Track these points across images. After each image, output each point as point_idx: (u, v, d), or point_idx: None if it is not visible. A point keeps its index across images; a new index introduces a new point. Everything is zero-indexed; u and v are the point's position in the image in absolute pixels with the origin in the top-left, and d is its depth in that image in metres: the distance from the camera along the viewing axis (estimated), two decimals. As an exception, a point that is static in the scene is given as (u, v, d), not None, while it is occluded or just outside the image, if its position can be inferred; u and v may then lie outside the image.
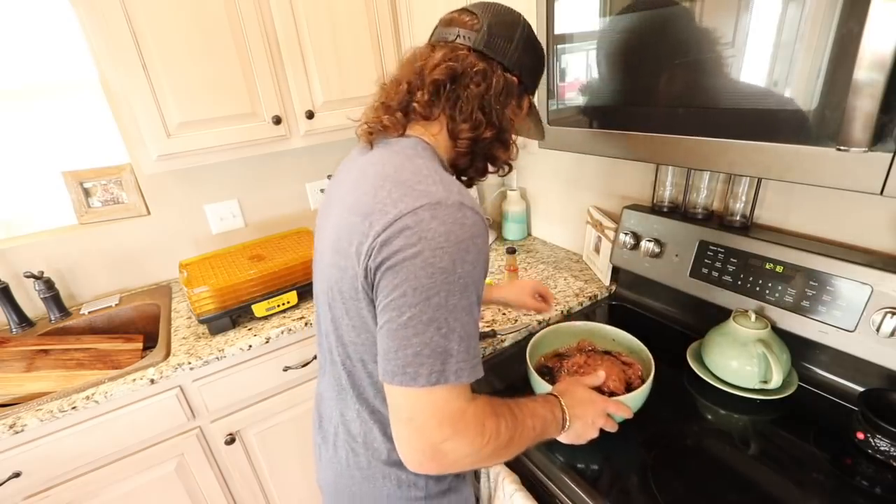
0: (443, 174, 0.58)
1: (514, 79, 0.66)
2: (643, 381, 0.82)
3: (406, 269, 0.51)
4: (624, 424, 0.82)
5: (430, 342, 0.51)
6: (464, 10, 0.66)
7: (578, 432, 0.71)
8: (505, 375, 0.99)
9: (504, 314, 1.19)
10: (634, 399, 0.78)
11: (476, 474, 0.94)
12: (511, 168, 0.75)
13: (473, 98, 0.63)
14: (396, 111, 0.65)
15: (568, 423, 0.69)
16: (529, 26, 0.68)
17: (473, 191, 1.62)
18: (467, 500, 0.76)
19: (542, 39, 0.86)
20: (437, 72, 0.62)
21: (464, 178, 0.73)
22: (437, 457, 0.53)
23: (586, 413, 0.71)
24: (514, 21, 0.66)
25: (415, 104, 0.64)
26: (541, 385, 0.81)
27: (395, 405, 0.55)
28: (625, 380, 0.85)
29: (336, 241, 0.61)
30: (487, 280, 1.02)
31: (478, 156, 0.69)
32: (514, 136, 0.72)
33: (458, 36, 0.64)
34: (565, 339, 0.99)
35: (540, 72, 0.72)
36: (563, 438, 0.71)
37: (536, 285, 1.07)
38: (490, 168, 0.73)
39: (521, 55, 0.66)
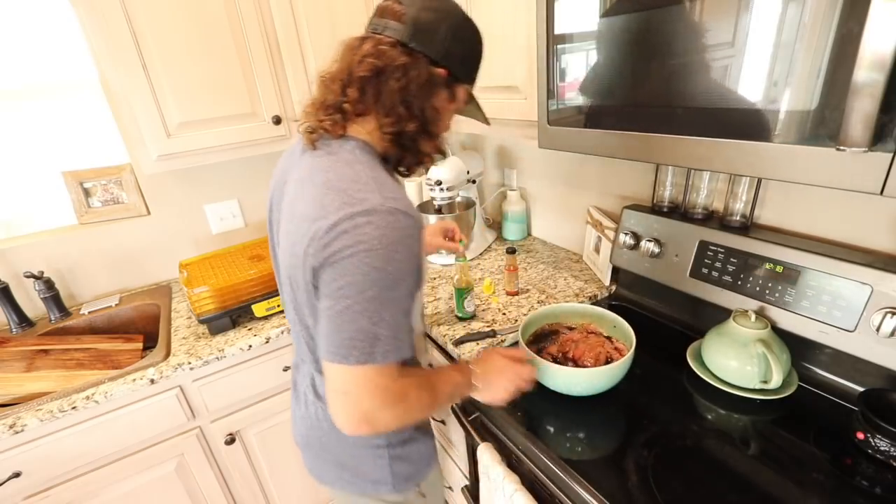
0: (379, 178, 0.63)
1: (442, 71, 0.67)
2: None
3: (344, 266, 0.58)
4: (624, 424, 0.82)
5: (362, 329, 0.59)
6: (396, 0, 0.67)
7: (492, 394, 0.81)
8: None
9: (504, 314, 1.19)
10: (591, 373, 0.85)
11: (476, 475, 0.94)
12: (431, 159, 0.76)
13: (394, 93, 0.65)
14: (333, 111, 0.68)
15: (480, 385, 0.79)
16: (462, 16, 0.68)
17: (473, 190, 1.62)
18: (428, 450, 0.86)
19: (542, 39, 0.86)
20: (361, 69, 0.64)
21: (401, 170, 0.76)
22: (367, 423, 0.63)
23: (499, 379, 0.81)
24: (442, 12, 0.66)
25: (346, 104, 0.67)
26: (530, 356, 0.89)
27: (330, 379, 0.63)
28: (604, 359, 0.91)
29: (290, 243, 0.66)
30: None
31: (406, 148, 0.70)
32: (444, 127, 0.74)
33: (387, 28, 0.66)
34: (575, 319, 1.05)
35: (474, 61, 0.73)
36: (479, 397, 0.82)
37: (445, 224, 1.13)
38: (423, 160, 0.74)
39: (450, 47, 0.67)
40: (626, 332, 0.94)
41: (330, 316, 0.61)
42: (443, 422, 1.29)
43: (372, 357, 0.60)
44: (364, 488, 0.83)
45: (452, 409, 1.03)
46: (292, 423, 0.91)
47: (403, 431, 0.80)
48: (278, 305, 1.31)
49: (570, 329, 1.03)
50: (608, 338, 0.99)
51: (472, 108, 0.81)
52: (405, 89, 0.65)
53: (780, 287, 0.88)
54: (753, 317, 0.87)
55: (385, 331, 0.60)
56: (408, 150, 0.70)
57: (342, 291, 0.59)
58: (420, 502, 0.88)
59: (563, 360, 0.92)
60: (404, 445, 0.81)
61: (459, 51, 0.69)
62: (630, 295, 1.23)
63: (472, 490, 1.18)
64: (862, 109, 0.48)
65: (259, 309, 1.28)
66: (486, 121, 0.86)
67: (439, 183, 1.43)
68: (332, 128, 0.68)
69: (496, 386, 0.80)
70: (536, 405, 0.90)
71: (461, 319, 1.19)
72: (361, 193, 0.60)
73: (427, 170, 0.80)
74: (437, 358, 1.17)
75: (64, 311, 1.40)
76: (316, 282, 0.63)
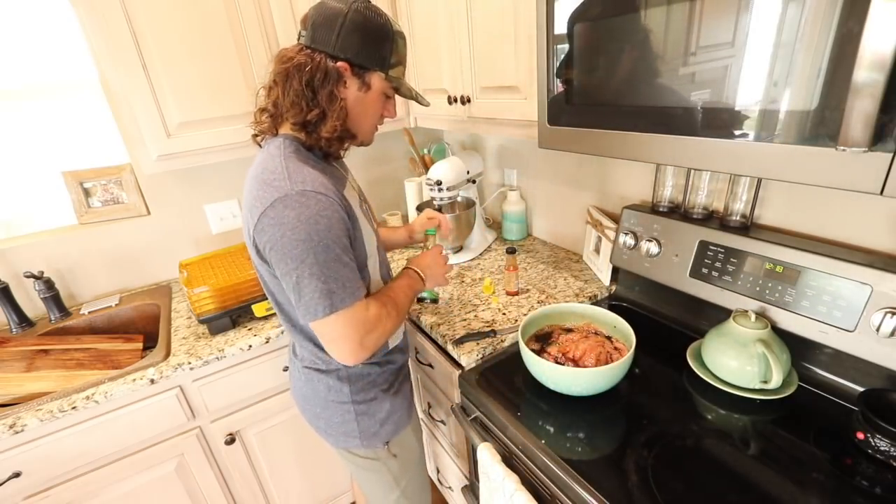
0: (294, 167, 0.74)
1: (342, 64, 0.75)
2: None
3: (280, 248, 0.71)
4: (624, 424, 0.82)
5: (317, 289, 0.72)
6: (309, 9, 0.78)
7: (437, 280, 1.01)
8: (505, 374, 0.99)
9: (504, 314, 1.19)
10: (592, 373, 0.86)
11: (476, 475, 0.94)
12: (340, 143, 0.82)
13: (297, 90, 0.75)
14: (266, 114, 0.81)
15: (426, 279, 0.97)
16: (357, 11, 0.75)
17: (473, 190, 1.62)
18: (394, 409, 0.96)
19: (542, 39, 0.86)
20: (277, 74, 0.77)
21: (331, 155, 0.84)
22: (362, 350, 0.78)
23: (436, 269, 1.01)
24: (336, 12, 0.74)
25: (272, 107, 0.79)
26: (530, 356, 0.91)
27: (319, 335, 0.78)
28: (605, 359, 0.92)
29: (245, 230, 0.79)
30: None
31: (313, 135, 0.78)
32: (364, 114, 0.82)
33: (300, 35, 0.78)
34: (575, 319, 1.06)
35: (375, 49, 0.77)
36: (429, 286, 0.99)
37: (428, 213, 1.19)
38: (333, 144, 0.80)
39: (346, 40, 0.74)
40: (625, 332, 0.94)
41: (291, 289, 0.74)
42: (442, 422, 1.29)
43: (333, 306, 0.73)
44: (338, 441, 0.96)
45: (452, 408, 1.03)
46: (292, 389, 1.04)
47: (367, 391, 0.93)
48: (278, 305, 1.31)
49: (570, 329, 1.03)
50: (608, 338, 0.99)
51: (405, 89, 0.86)
52: (307, 85, 0.74)
53: (780, 287, 0.88)
54: (753, 317, 0.87)
55: (334, 284, 0.73)
56: (314, 135, 0.78)
57: (289, 268, 0.72)
58: (392, 462, 0.99)
59: (563, 360, 0.92)
60: (369, 403, 0.93)
61: (356, 42, 0.75)
62: (630, 295, 1.23)
63: (472, 490, 1.18)
64: (862, 109, 0.48)
65: (259, 309, 1.28)
66: (418, 100, 0.90)
67: (439, 183, 1.43)
68: (269, 129, 0.82)
69: (437, 274, 1.00)
70: (536, 405, 0.90)
71: (420, 301, 1.25)
72: (277, 182, 0.72)
73: (343, 152, 0.89)
74: (434, 355, 1.17)
75: (64, 311, 1.40)
76: (264, 258, 0.76)
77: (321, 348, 0.87)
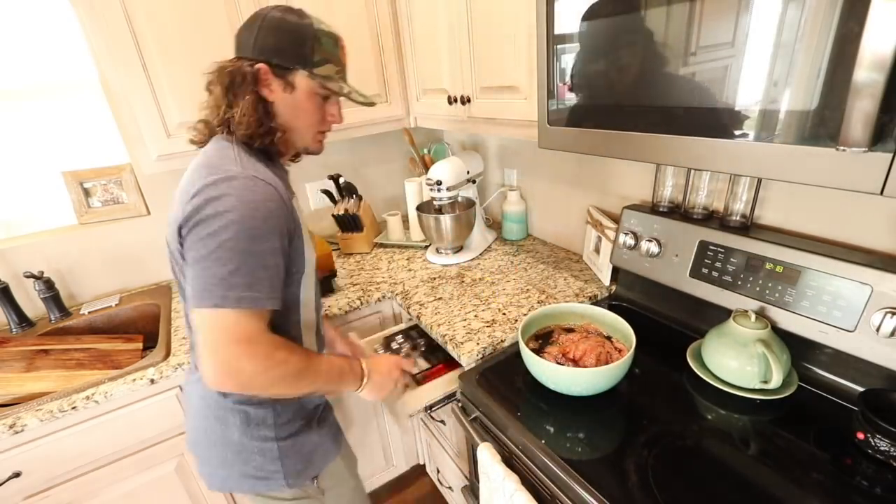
0: (242, 157, 0.73)
1: (260, 65, 0.74)
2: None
3: (207, 222, 0.65)
4: (624, 424, 0.82)
5: (217, 274, 0.64)
6: None
7: (375, 391, 0.88)
8: (505, 374, 0.99)
9: (504, 314, 1.19)
10: (592, 373, 0.85)
11: (476, 475, 0.94)
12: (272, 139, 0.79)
13: (217, 95, 0.76)
14: (203, 122, 0.82)
15: (366, 380, 0.86)
16: (273, 13, 0.76)
17: (473, 190, 1.62)
18: (322, 442, 0.88)
19: (542, 39, 0.86)
20: (207, 84, 0.78)
21: (269, 153, 0.81)
22: (231, 373, 0.65)
23: (383, 383, 0.90)
24: (255, 17, 0.76)
25: (207, 114, 0.80)
26: (530, 356, 0.91)
27: (196, 327, 0.67)
28: (605, 359, 0.91)
29: (169, 229, 0.73)
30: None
31: (243, 134, 0.76)
32: (292, 114, 0.79)
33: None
34: (575, 319, 1.06)
35: (293, 47, 0.76)
36: (365, 394, 0.87)
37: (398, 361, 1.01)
38: (265, 141, 0.78)
39: (262, 43, 0.75)
40: (626, 332, 0.94)
41: (192, 264, 0.66)
42: (442, 422, 1.29)
43: (225, 300, 0.64)
44: (255, 486, 0.83)
45: (452, 408, 1.03)
46: (185, 429, 0.92)
47: (291, 424, 0.83)
48: (278, 305, 1.30)
49: (571, 329, 1.03)
50: (608, 338, 0.99)
51: (336, 87, 0.81)
52: (227, 88, 0.75)
53: (780, 287, 0.88)
54: (753, 317, 0.87)
55: (240, 279, 0.64)
56: (238, 133, 0.76)
57: (203, 242, 0.65)
58: (322, 498, 0.90)
59: (563, 360, 0.92)
60: (295, 437, 0.83)
61: (272, 43, 0.75)
62: (630, 295, 1.23)
63: (472, 490, 1.18)
64: (862, 109, 0.48)
65: (259, 309, 1.28)
66: (351, 98, 0.84)
67: (439, 183, 1.43)
68: (204, 135, 0.82)
69: (382, 386, 0.89)
70: (536, 405, 0.90)
71: None
72: (226, 165, 0.70)
73: (286, 153, 0.86)
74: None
75: (64, 311, 1.40)
76: (182, 245, 0.69)
77: None
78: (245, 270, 0.65)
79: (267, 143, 0.78)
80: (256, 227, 0.66)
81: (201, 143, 0.83)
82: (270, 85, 0.76)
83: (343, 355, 0.88)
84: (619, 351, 0.93)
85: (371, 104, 0.87)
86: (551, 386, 0.90)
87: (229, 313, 0.64)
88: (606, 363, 0.89)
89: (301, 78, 0.77)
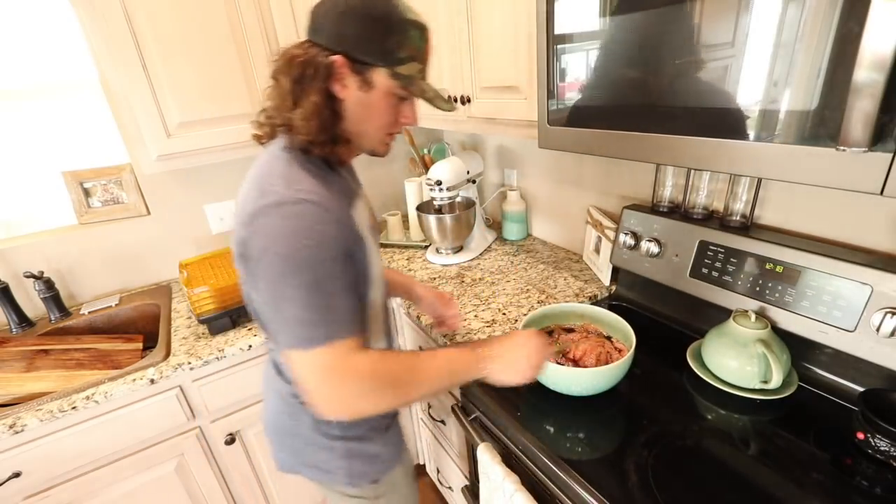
0: (291, 173, 0.66)
1: (337, 58, 0.64)
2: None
3: (262, 261, 0.61)
4: (624, 424, 0.82)
5: (293, 316, 0.61)
6: None
7: (512, 372, 0.75)
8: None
9: (504, 314, 1.19)
10: (592, 373, 0.85)
11: (476, 475, 0.94)
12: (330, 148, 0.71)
13: (284, 88, 0.66)
14: (265, 115, 0.72)
15: (488, 361, 0.74)
16: None
17: (473, 190, 1.62)
18: (387, 452, 0.86)
19: (542, 39, 0.86)
20: (274, 72, 0.68)
21: (329, 160, 0.73)
22: (344, 404, 0.64)
23: (520, 357, 0.76)
24: (334, 1, 0.65)
25: (269, 107, 0.71)
26: None
27: (294, 372, 0.64)
28: (605, 359, 0.91)
29: (235, 233, 0.69)
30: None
31: (310, 140, 0.68)
32: (365, 118, 0.70)
33: (306, 30, 0.68)
34: (575, 319, 1.05)
35: (376, 39, 0.65)
36: (493, 380, 0.76)
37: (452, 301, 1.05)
38: (335, 147, 0.71)
39: (341, 30, 0.64)
40: (626, 332, 0.94)
41: (272, 310, 0.64)
42: (442, 421, 1.29)
43: (310, 342, 0.61)
44: (319, 477, 0.85)
45: (452, 408, 1.03)
46: (263, 411, 0.91)
47: (359, 427, 0.82)
48: (278, 305, 1.30)
49: (571, 329, 1.03)
50: (608, 338, 0.99)
51: (418, 90, 0.71)
52: (297, 82, 0.65)
53: (780, 287, 0.88)
54: (753, 317, 0.87)
55: (318, 315, 0.61)
56: (304, 138, 0.67)
57: (271, 283, 0.61)
58: (375, 502, 0.88)
59: (562, 360, 0.92)
60: (360, 442, 0.82)
61: (354, 31, 0.64)
62: (630, 295, 1.23)
63: (472, 490, 1.18)
64: (862, 109, 0.48)
65: (259, 309, 1.28)
66: (436, 104, 0.74)
67: (439, 183, 1.43)
68: (267, 132, 0.73)
69: (517, 366, 0.75)
70: (536, 405, 0.90)
71: None
72: (275, 187, 0.64)
73: (348, 161, 0.78)
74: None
75: (64, 311, 1.40)
76: (244, 266, 0.66)
77: None
78: (318, 305, 0.61)
79: (326, 152, 0.70)
80: (310, 257, 0.60)
81: (264, 141, 0.75)
82: (344, 80, 0.66)
83: (461, 344, 0.80)
84: (619, 351, 0.93)
85: (452, 110, 0.77)
86: (551, 386, 0.90)
87: (318, 353, 0.62)
88: (606, 363, 0.89)
89: (381, 76, 0.67)
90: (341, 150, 0.73)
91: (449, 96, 0.73)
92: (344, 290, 0.64)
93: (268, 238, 0.61)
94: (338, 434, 0.81)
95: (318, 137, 0.67)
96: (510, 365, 0.76)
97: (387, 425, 0.88)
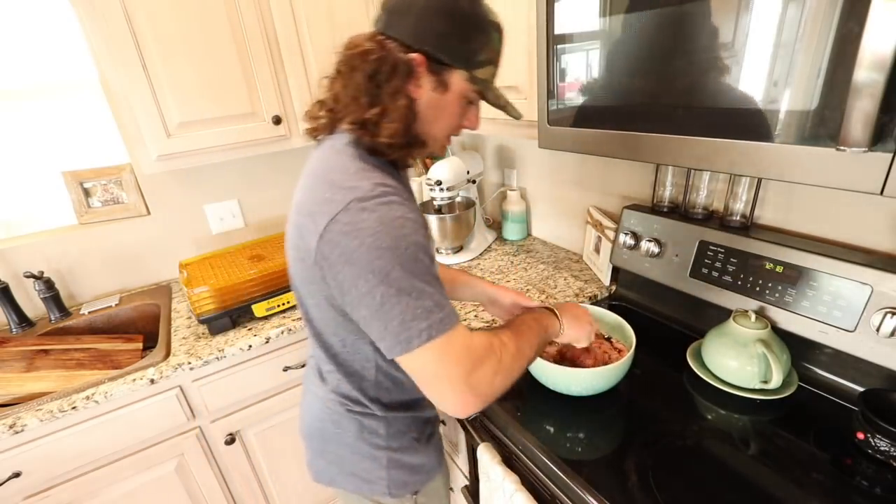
0: (362, 168, 0.62)
1: (416, 56, 0.61)
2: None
3: (358, 260, 0.55)
4: (624, 424, 0.82)
5: (408, 308, 0.56)
6: None
7: (577, 334, 0.81)
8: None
9: (504, 314, 1.19)
10: (591, 374, 0.85)
11: (476, 475, 0.94)
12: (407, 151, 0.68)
13: (358, 83, 0.62)
14: (325, 108, 0.68)
15: (561, 319, 0.79)
16: None
17: (473, 190, 1.62)
18: (430, 462, 0.84)
19: (542, 39, 0.86)
20: (341, 64, 0.64)
21: (395, 162, 0.69)
22: (471, 392, 0.59)
23: (581, 321, 0.82)
24: None
25: (330, 100, 0.67)
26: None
27: (414, 373, 0.60)
28: (604, 360, 0.91)
29: (295, 238, 0.66)
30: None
31: (375, 138, 0.64)
32: (436, 119, 0.67)
33: (377, 20, 0.64)
34: None
35: (460, 40, 0.62)
36: (564, 338, 0.81)
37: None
38: (408, 150, 0.67)
39: (425, 27, 0.60)
40: (625, 333, 0.94)
41: (374, 315, 0.57)
42: (443, 422, 1.29)
43: (432, 330, 0.57)
44: (359, 487, 0.82)
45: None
46: (300, 415, 0.90)
47: (403, 437, 0.80)
48: (278, 305, 1.31)
49: None
50: (608, 338, 0.99)
51: (493, 96, 0.69)
52: (371, 78, 0.61)
53: (780, 287, 0.88)
54: (753, 317, 0.87)
55: (430, 301, 0.57)
56: (373, 138, 0.63)
57: (369, 285, 0.56)
58: None
59: (562, 360, 0.92)
60: (404, 452, 0.81)
61: (435, 28, 0.60)
62: (630, 295, 1.23)
63: (472, 490, 1.17)
64: (862, 109, 0.48)
65: (259, 309, 1.28)
66: (508, 111, 0.73)
67: (439, 183, 1.43)
68: (325, 125, 0.69)
69: (581, 326, 0.81)
70: (536, 405, 0.90)
71: None
72: (350, 182, 0.59)
73: (417, 163, 0.74)
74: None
75: (64, 311, 1.40)
76: (325, 277, 0.61)
77: (365, 380, 0.74)
78: (430, 290, 0.57)
79: (400, 156, 0.67)
80: (411, 245, 0.57)
81: (319, 137, 0.72)
82: (420, 80, 0.63)
83: (535, 309, 0.81)
84: (619, 351, 0.93)
85: (520, 117, 0.75)
86: (550, 386, 0.90)
87: (439, 342, 0.57)
88: (606, 363, 0.89)
89: (458, 78, 0.64)
90: (404, 153, 0.68)
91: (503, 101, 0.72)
92: (438, 282, 0.60)
93: (358, 236, 0.55)
94: (382, 444, 0.79)
95: (400, 140, 0.63)
96: (579, 323, 0.81)
97: (429, 434, 0.86)
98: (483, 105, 0.72)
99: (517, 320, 0.74)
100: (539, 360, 0.88)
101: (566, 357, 0.93)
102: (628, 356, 0.85)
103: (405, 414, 0.80)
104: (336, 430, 0.80)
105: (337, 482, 0.84)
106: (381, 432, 0.78)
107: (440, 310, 0.58)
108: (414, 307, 0.56)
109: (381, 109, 0.62)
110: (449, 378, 0.58)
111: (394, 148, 0.64)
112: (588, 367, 0.89)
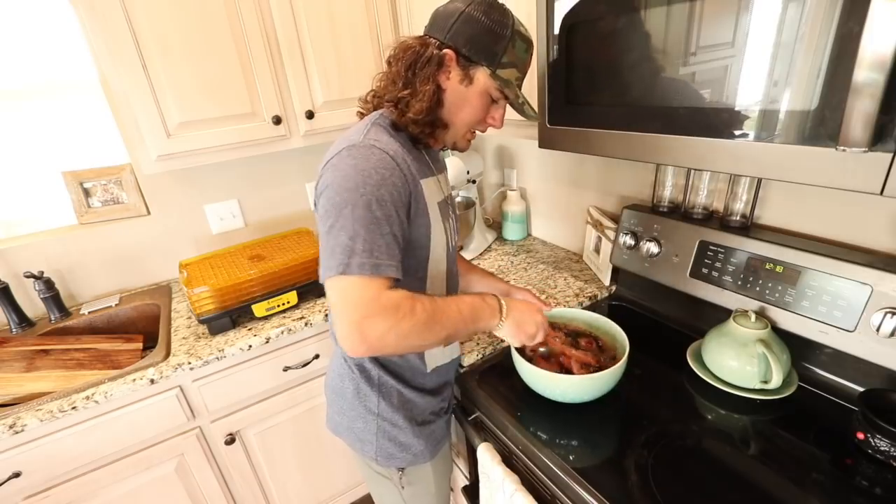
0: (375, 131, 0.74)
1: (449, 52, 0.73)
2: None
3: (327, 193, 0.68)
4: (624, 424, 0.82)
5: (339, 243, 0.65)
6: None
7: (515, 332, 0.81)
8: (505, 374, 0.99)
9: (504, 314, 1.19)
10: (580, 381, 0.84)
11: (476, 475, 0.94)
12: (430, 133, 0.78)
13: (397, 70, 0.76)
14: (373, 96, 0.82)
15: (505, 314, 0.80)
16: (477, 6, 0.73)
17: (473, 190, 1.62)
18: (419, 446, 0.89)
19: (542, 39, 0.86)
20: (390, 57, 0.77)
21: (416, 138, 0.79)
22: (360, 335, 0.64)
23: (527, 319, 0.82)
24: (458, 6, 0.74)
25: (379, 88, 0.80)
26: (523, 364, 0.89)
27: (329, 299, 0.69)
28: (596, 366, 0.88)
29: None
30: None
31: (403, 114, 0.76)
32: (459, 107, 0.78)
33: (427, 26, 0.78)
34: (574, 322, 1.03)
35: (486, 42, 0.73)
36: (501, 333, 0.81)
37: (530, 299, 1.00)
38: (418, 129, 0.77)
39: (458, 28, 0.73)
40: (620, 339, 0.92)
41: (321, 240, 0.69)
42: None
43: (348, 268, 0.64)
44: (354, 443, 0.91)
45: (453, 408, 1.03)
46: (326, 373, 0.99)
47: (395, 412, 0.86)
48: (278, 305, 1.31)
49: (579, 332, 1.00)
50: (596, 341, 0.96)
51: (513, 94, 0.78)
52: (410, 66, 0.74)
53: (780, 287, 0.88)
54: (753, 317, 0.87)
55: (360, 245, 0.65)
56: (404, 115, 0.76)
57: (326, 213, 0.67)
58: (403, 491, 0.93)
59: (555, 366, 0.91)
60: (392, 426, 0.87)
61: (467, 31, 0.73)
62: (630, 295, 1.23)
63: (472, 490, 1.18)
64: (862, 109, 0.48)
65: (259, 309, 1.28)
66: (523, 112, 0.81)
67: (439, 183, 1.43)
68: (370, 110, 0.82)
69: (519, 330, 0.81)
70: (536, 405, 0.90)
71: None
72: (354, 136, 0.72)
73: (430, 145, 0.83)
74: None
75: (64, 311, 1.40)
76: (316, 206, 0.72)
77: None
78: (367, 237, 0.65)
79: (423, 132, 0.77)
80: (370, 194, 0.66)
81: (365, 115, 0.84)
82: (450, 72, 0.75)
83: (477, 293, 0.82)
84: (613, 358, 0.92)
85: (538, 119, 0.86)
86: (544, 393, 0.88)
87: (353, 280, 0.65)
88: (599, 368, 0.87)
89: (482, 74, 0.76)
90: (436, 133, 0.80)
91: (522, 103, 0.80)
92: (393, 236, 0.68)
93: (335, 174, 0.67)
94: (374, 410, 0.86)
95: (422, 118, 0.75)
96: (519, 326, 0.81)
97: (423, 420, 0.91)
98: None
99: (455, 298, 0.77)
100: (531, 368, 0.86)
101: (558, 363, 0.91)
102: (620, 364, 0.83)
103: (399, 388, 0.86)
104: (341, 384, 0.90)
105: (341, 434, 0.93)
106: (374, 399, 0.86)
107: (364, 256, 0.65)
108: (343, 244, 0.65)
109: (411, 91, 0.74)
110: (344, 316, 0.65)
111: (418, 124, 0.76)
112: (577, 373, 0.87)
